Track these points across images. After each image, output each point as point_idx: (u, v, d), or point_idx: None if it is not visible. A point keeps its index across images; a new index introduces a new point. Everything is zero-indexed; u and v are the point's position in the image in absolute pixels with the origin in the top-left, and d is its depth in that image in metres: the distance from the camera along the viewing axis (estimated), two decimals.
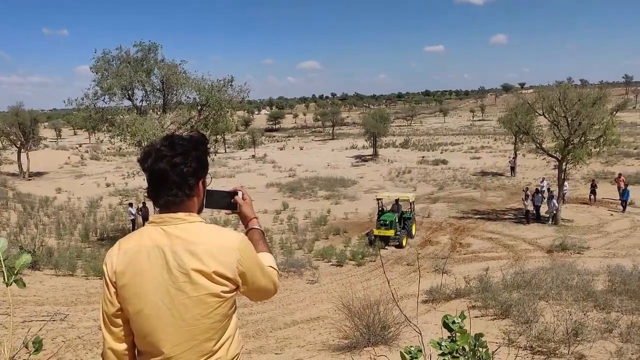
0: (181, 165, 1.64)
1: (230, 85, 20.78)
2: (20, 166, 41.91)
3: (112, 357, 1.69)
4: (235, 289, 1.68)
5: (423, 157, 49.38)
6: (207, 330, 1.63)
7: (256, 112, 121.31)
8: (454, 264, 15.83)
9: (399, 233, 19.20)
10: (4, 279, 3.88)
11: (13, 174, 40.35)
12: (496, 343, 5.65)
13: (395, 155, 51.16)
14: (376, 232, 19.42)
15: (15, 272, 3.97)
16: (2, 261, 3.88)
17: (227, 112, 21.00)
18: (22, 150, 42.02)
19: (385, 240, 19.34)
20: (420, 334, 4.29)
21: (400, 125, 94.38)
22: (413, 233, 20.60)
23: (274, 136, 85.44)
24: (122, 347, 1.69)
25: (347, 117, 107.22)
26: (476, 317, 8.10)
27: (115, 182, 36.34)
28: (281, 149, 63.76)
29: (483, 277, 10.50)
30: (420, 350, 4.09)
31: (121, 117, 19.13)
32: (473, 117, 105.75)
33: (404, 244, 19.13)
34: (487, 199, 28.59)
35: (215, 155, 36.58)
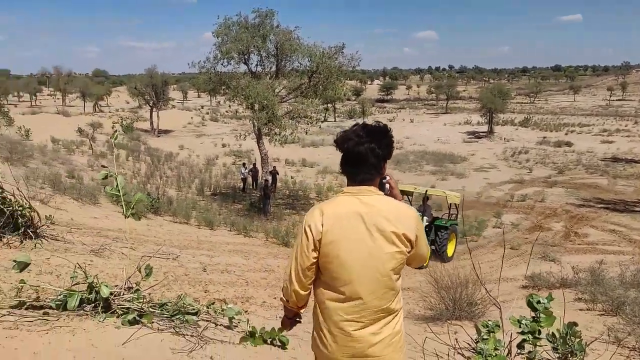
0: (377, 149, 2.04)
1: (341, 52, 20.84)
2: (151, 124, 46.26)
3: (294, 297, 2.17)
4: (409, 251, 2.06)
5: (544, 137, 45.82)
6: (392, 282, 2.03)
7: (369, 82, 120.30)
8: (564, 253, 14.72)
9: None
10: (124, 212, 4.41)
11: (145, 131, 44.64)
12: (599, 339, 5.25)
13: (513, 134, 48.05)
14: None
15: (132, 206, 4.50)
16: (122, 196, 4.41)
17: (337, 79, 21.14)
18: (154, 109, 46.25)
19: None
20: (500, 309, 4.14)
21: (522, 102, 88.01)
22: (449, 253, 14.11)
23: (385, 107, 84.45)
24: (306, 292, 2.16)
25: (464, 90, 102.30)
26: (580, 309, 7.58)
27: (230, 143, 38.72)
28: (390, 121, 62.96)
29: (596, 269, 9.66)
30: (498, 326, 3.95)
31: (237, 81, 20.15)
32: (611, 96, 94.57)
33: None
34: (616, 187, 25.94)
35: (323, 122, 37.17)
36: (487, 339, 4.54)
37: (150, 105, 47.13)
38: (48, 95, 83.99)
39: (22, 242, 7.66)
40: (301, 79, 21.14)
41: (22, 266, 4.02)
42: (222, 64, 20.48)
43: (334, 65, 20.29)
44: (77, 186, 15.74)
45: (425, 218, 13.72)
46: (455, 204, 15.34)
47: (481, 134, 48.60)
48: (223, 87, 21.51)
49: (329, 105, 51.04)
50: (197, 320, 4.55)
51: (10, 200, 7.90)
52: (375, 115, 68.47)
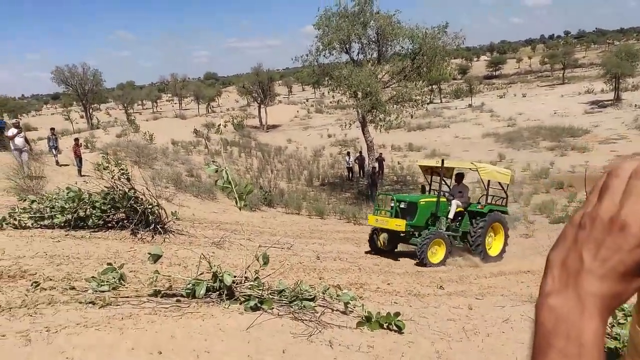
0: None
1: (445, 32, 20.02)
2: (260, 120, 48.33)
3: None
4: None
5: None
6: None
7: (474, 59, 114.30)
8: None
9: (428, 238, 9.79)
10: (236, 202, 4.60)
11: (255, 127, 46.74)
12: None
13: None
14: (371, 218, 11.02)
15: (244, 197, 4.68)
16: (233, 188, 4.60)
17: (442, 59, 20.37)
18: (262, 106, 48.28)
19: (393, 238, 10.65)
20: None
21: None
22: (492, 251, 10.85)
23: (494, 83, 79.69)
24: None
25: (583, 57, 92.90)
26: None
27: (336, 134, 39.15)
28: (501, 97, 59.23)
29: None
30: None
31: (339, 70, 20.26)
32: None
33: (432, 260, 9.77)
34: None
35: (429, 105, 36.02)
36: (623, 323, 4.10)
37: (258, 102, 49.25)
38: (166, 101, 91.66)
39: (153, 237, 8.44)
40: (404, 62, 20.70)
41: (156, 258, 4.38)
42: (324, 55, 20.74)
43: (437, 45, 19.57)
44: (196, 184, 16.96)
45: (455, 203, 10.81)
46: (504, 183, 11.59)
47: (606, 102, 43.78)
48: (326, 78, 21.78)
49: (433, 86, 49.39)
50: (314, 306, 4.65)
51: (142, 199, 8.74)
52: (483, 93, 64.95)
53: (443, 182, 11.38)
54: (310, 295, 4.83)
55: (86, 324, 3.55)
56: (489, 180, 11.49)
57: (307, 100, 73.92)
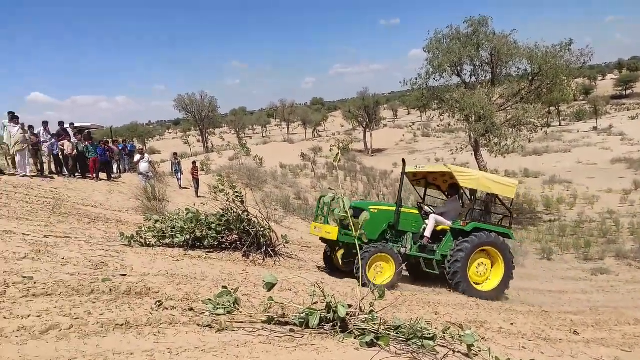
0: None
1: (568, 49, 18.60)
2: (365, 144, 48.55)
3: None
4: None
5: None
6: None
7: (599, 78, 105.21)
8: None
9: (366, 251, 8.06)
10: (352, 232, 4.42)
11: (360, 151, 47.03)
12: None
13: None
14: (312, 227, 9.27)
15: (360, 226, 4.49)
16: (350, 217, 4.44)
17: (564, 79, 18.91)
18: (367, 130, 48.51)
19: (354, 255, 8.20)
20: None
21: None
22: (480, 285, 8.73)
23: (623, 104, 72.52)
24: None
25: None
26: None
27: (444, 157, 38.01)
28: (633, 119, 53.61)
29: None
30: None
31: (450, 94, 19.66)
32: None
33: (374, 280, 7.72)
34: None
35: (547, 128, 33.58)
36: None
37: (363, 127, 49.60)
38: (275, 125, 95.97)
39: (264, 259, 8.57)
40: (520, 83, 19.55)
41: (270, 286, 4.33)
42: (434, 79, 20.34)
43: (560, 64, 18.21)
44: (303, 207, 17.23)
45: (434, 218, 8.88)
46: (505, 197, 9.42)
47: None
48: (436, 102, 21.28)
49: (551, 108, 46.22)
50: (433, 346, 4.30)
51: (254, 222, 8.96)
52: (611, 114, 59.27)
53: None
54: (429, 334, 4.47)
55: (204, 348, 3.55)
56: (475, 191, 9.44)
57: (413, 124, 73.04)
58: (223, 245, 9.03)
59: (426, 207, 9.69)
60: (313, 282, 5.15)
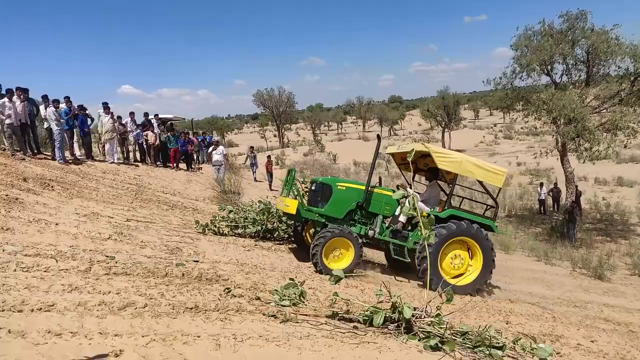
0: None
1: None
2: (443, 144, 47.25)
3: None
4: None
5: None
6: None
7: None
8: None
9: (324, 234, 7.45)
10: (421, 232, 4.28)
11: None
12: None
13: None
14: (278, 202, 8.71)
15: (429, 227, 4.32)
16: (420, 216, 4.30)
17: None
18: (445, 130, 47.21)
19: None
20: None
21: None
22: (454, 278, 7.86)
23: None
24: None
25: None
26: None
27: (526, 162, 36.07)
28: None
29: None
30: None
31: (537, 94, 18.55)
32: None
33: (331, 265, 7.34)
34: None
35: None
36: None
37: (442, 126, 48.33)
38: (351, 122, 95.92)
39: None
40: (620, 84, 17.98)
41: (337, 280, 4.31)
42: (520, 78, 19.25)
43: None
44: None
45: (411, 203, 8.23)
46: (491, 186, 8.53)
47: None
48: (521, 103, 20.18)
49: None
50: (502, 356, 4.07)
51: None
52: None
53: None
54: (498, 343, 4.24)
55: (268, 337, 3.59)
56: (455, 176, 8.29)
57: (495, 125, 70.10)
58: (293, 238, 9.17)
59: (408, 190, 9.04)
60: (380, 281, 5.07)
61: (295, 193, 8.01)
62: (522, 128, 53.30)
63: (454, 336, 4.24)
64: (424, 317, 4.48)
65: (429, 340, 4.06)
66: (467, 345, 4.17)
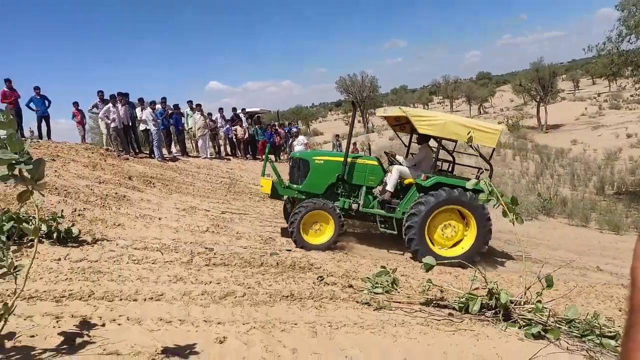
0: None
1: None
2: (538, 119, 44.33)
3: None
4: None
5: None
6: None
7: None
8: None
9: (300, 208, 7.14)
10: (505, 215, 4.09)
11: (532, 127, 43.13)
12: None
13: None
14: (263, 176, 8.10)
15: (513, 209, 4.13)
16: (500, 198, 4.10)
17: None
18: (541, 104, 44.20)
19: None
20: None
21: None
22: (442, 249, 7.40)
23: None
24: None
25: None
26: None
27: (638, 133, 32.84)
28: None
29: None
30: None
31: None
32: None
33: (310, 240, 7.10)
34: None
35: None
36: None
37: (536, 101, 45.31)
38: (438, 103, 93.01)
39: None
40: None
41: (429, 267, 4.24)
42: (628, 41, 17.44)
43: None
44: None
45: (397, 170, 7.74)
46: (483, 146, 7.85)
47: None
48: (629, 68, 18.32)
49: None
50: (615, 346, 3.78)
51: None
52: None
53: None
54: (611, 332, 3.94)
55: (362, 324, 3.64)
56: (439, 140, 7.60)
57: (599, 95, 64.36)
58: (383, 226, 9.11)
59: (397, 157, 8.49)
60: (474, 267, 4.92)
61: (269, 172, 7.89)
62: (631, 96, 48.50)
63: (558, 324, 4.01)
64: (524, 303, 4.27)
65: (531, 328, 3.88)
66: (574, 334, 3.92)
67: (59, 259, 4.62)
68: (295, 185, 7.69)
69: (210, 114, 16.05)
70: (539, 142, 33.41)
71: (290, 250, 6.49)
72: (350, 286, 4.65)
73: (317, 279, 4.73)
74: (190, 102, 15.54)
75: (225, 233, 7.20)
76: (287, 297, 4.10)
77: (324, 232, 7.19)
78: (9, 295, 3.33)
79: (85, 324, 3.12)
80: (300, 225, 6.97)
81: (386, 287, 4.54)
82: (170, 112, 14.42)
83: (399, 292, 4.52)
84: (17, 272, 2.63)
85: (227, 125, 16.87)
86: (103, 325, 3.14)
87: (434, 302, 4.37)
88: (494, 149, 7.97)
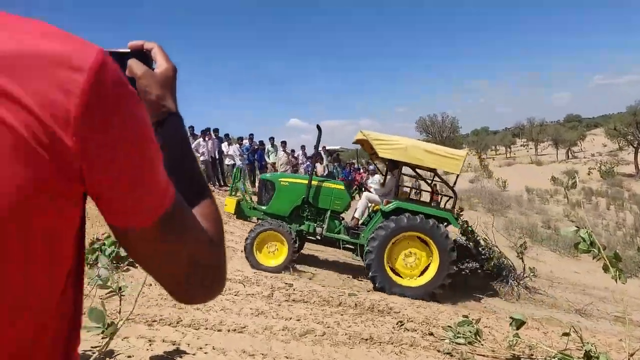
0: None
1: None
2: (636, 166, 41.15)
3: None
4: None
5: None
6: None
7: None
8: None
9: (255, 229, 7.16)
10: (606, 271, 3.79)
11: (629, 175, 40.09)
12: None
13: None
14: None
15: (616, 264, 3.82)
16: (602, 251, 3.81)
17: None
18: (639, 150, 41.12)
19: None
20: None
21: None
22: (404, 279, 6.92)
23: None
24: None
25: None
26: None
27: None
28: None
29: None
30: None
31: None
32: None
33: (263, 261, 6.96)
34: None
35: None
36: None
37: (634, 146, 42.22)
38: (521, 146, 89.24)
39: (507, 291, 8.03)
40: None
41: (519, 324, 4.02)
42: None
43: None
44: (553, 237, 15.49)
45: (366, 197, 7.88)
46: (445, 172, 8.26)
47: None
48: None
49: None
50: None
51: (496, 250, 8.50)
52: None
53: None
54: None
55: None
56: (400, 166, 7.60)
57: None
58: (462, 272, 8.79)
59: (369, 185, 8.66)
60: (568, 324, 4.58)
61: (236, 192, 7.99)
62: None
63: None
64: None
65: None
66: None
67: (150, 285, 4.90)
68: (262, 207, 7.73)
69: (293, 151, 16.55)
70: (637, 192, 30.96)
71: (368, 291, 6.43)
72: (431, 334, 4.50)
73: (397, 323, 4.63)
74: (272, 139, 16.14)
75: (302, 270, 7.30)
76: (367, 340, 4.04)
77: (280, 254, 7.09)
78: (112, 315, 3.57)
79: (176, 350, 3.27)
80: (254, 246, 6.95)
81: (469, 338, 4.35)
82: (256, 147, 15.05)
83: (482, 345, 4.30)
84: (122, 294, 2.83)
85: (308, 162, 17.31)
86: (194, 354, 3.27)
87: (522, 359, 4.11)
88: (458, 175, 7.75)
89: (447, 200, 8.26)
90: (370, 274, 6.89)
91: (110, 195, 0.47)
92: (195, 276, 0.57)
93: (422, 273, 7.02)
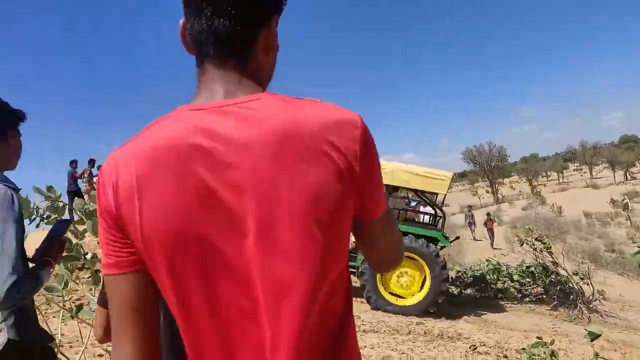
0: None
1: None
2: None
3: None
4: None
5: None
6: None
7: None
8: None
9: None
10: None
11: None
12: None
13: None
14: None
15: None
16: None
17: None
18: None
19: None
20: None
21: None
22: (399, 299, 7.25)
23: None
24: None
25: None
26: None
27: None
28: None
29: None
30: None
31: None
32: None
33: None
34: None
35: None
36: None
37: None
38: (574, 170, 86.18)
39: (576, 315, 7.86)
40: None
41: (594, 337, 4.04)
42: None
43: None
44: (619, 260, 14.91)
45: None
46: (431, 192, 8.11)
47: None
48: None
49: None
50: None
51: (563, 275, 8.39)
52: None
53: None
54: None
55: None
56: (390, 188, 7.82)
57: None
58: (527, 298, 8.68)
59: None
60: None
61: None
62: None
63: None
64: None
65: None
66: None
67: None
68: None
69: None
70: None
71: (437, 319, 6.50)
72: (505, 357, 4.56)
73: (470, 347, 4.71)
74: None
75: (361, 300, 7.45)
76: None
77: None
78: None
79: None
80: None
81: (545, 359, 4.37)
82: None
83: None
84: None
85: None
86: None
87: None
88: (445, 195, 8.01)
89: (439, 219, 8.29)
90: (364, 294, 7.12)
91: (371, 193, 0.77)
92: (399, 254, 0.88)
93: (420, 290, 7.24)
